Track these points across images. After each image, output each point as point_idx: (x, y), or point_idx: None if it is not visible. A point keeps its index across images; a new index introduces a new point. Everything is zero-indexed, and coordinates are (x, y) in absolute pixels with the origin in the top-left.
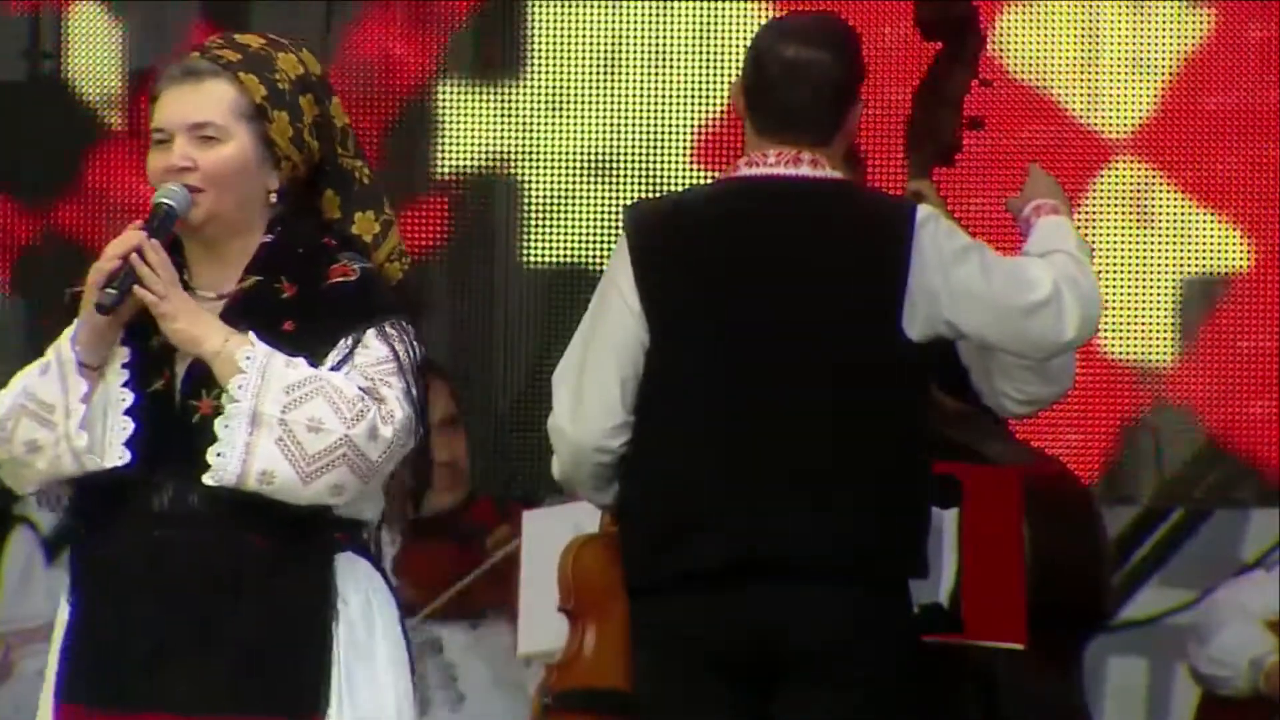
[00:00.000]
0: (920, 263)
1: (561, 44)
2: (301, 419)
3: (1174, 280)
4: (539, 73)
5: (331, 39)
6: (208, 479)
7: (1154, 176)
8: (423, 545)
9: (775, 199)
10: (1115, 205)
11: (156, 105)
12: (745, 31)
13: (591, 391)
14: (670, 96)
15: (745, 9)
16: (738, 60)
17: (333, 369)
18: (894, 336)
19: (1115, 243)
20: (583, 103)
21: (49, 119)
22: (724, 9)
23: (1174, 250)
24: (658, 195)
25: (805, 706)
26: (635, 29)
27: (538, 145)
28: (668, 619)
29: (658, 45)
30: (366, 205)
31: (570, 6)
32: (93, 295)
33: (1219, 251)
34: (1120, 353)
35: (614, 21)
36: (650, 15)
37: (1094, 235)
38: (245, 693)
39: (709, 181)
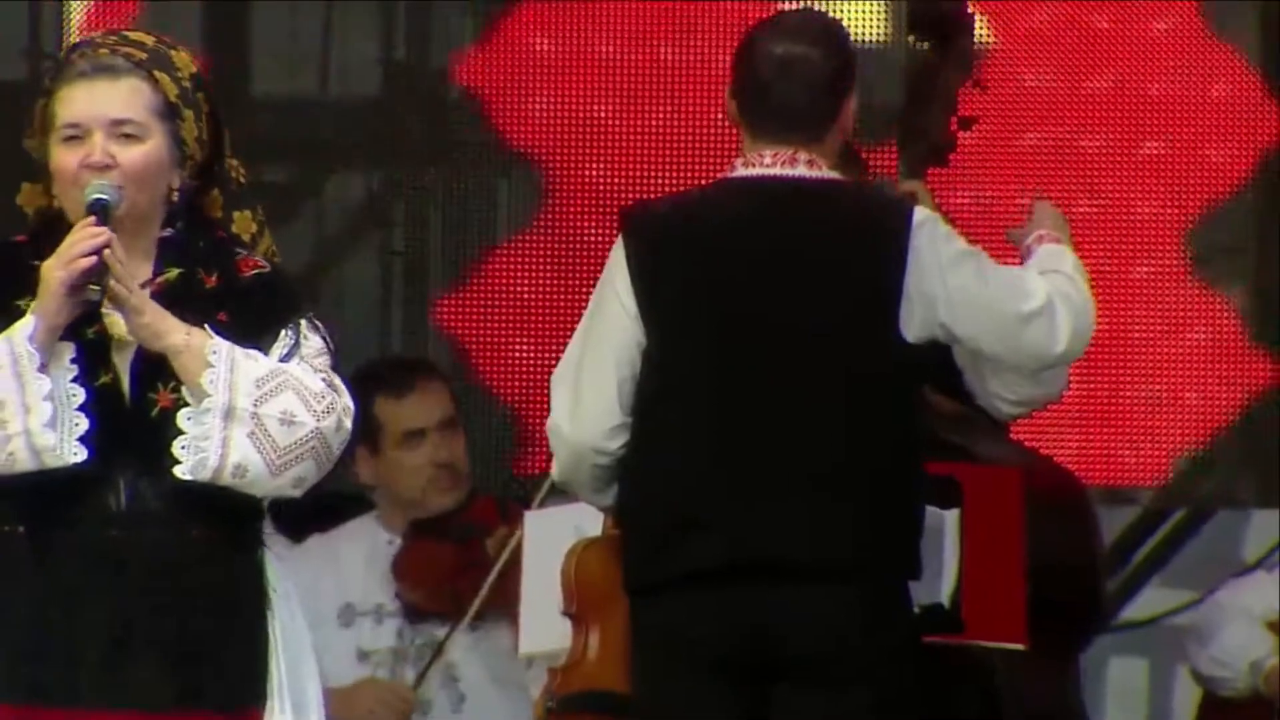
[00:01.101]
0: (918, 265)
1: None
2: (274, 412)
3: None
4: None
5: (331, 39)
6: (182, 472)
7: None
8: (422, 546)
9: (772, 199)
10: None
11: (61, 99)
12: None
13: (589, 393)
14: None
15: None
16: None
17: (281, 360)
18: (890, 338)
19: None
20: None
21: None
22: None
23: None
24: (654, 197)
25: (804, 708)
26: None
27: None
28: (666, 620)
29: None
30: (244, 204)
31: None
32: (59, 292)
33: None
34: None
35: None
36: None
37: None
38: (192, 688)
39: (706, 183)
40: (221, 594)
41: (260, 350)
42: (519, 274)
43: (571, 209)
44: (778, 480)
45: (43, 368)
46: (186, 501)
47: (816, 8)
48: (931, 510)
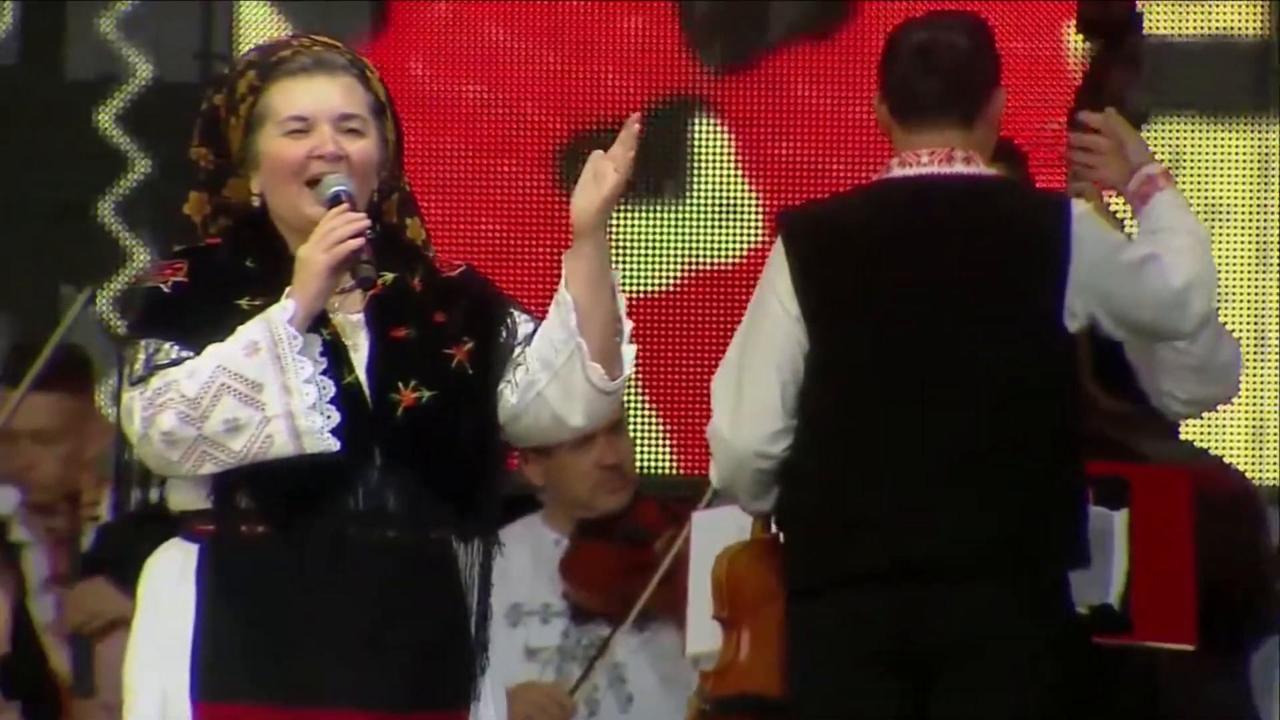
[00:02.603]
0: (1079, 258)
1: None
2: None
3: None
4: None
5: None
6: (610, 387)
7: None
8: (590, 547)
9: (931, 198)
10: None
11: (278, 93)
12: None
13: (750, 397)
14: None
15: None
16: None
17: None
18: (1053, 333)
19: None
20: None
21: None
22: None
23: None
24: (812, 201)
25: (963, 706)
26: None
27: None
28: (828, 620)
29: None
30: (414, 211)
31: None
32: (322, 275)
33: None
34: None
35: None
36: None
37: None
38: (428, 688)
39: (863, 184)
40: (453, 594)
41: (503, 338)
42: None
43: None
44: (940, 479)
45: (301, 352)
46: (425, 503)
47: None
48: (1100, 511)
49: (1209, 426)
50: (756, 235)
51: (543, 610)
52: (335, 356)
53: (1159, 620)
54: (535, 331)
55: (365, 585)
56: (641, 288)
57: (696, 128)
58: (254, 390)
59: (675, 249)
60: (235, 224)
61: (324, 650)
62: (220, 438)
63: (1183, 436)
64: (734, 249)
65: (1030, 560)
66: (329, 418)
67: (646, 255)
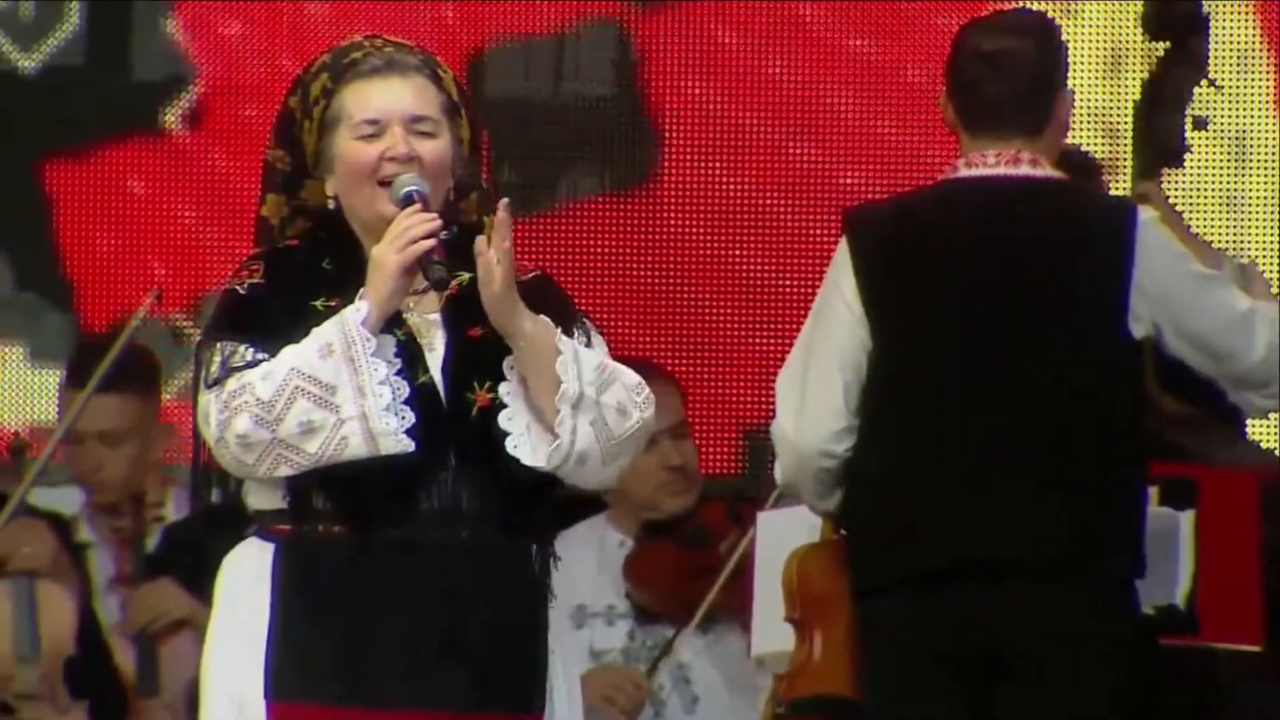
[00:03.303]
0: (1144, 264)
1: None
2: (611, 402)
3: None
4: None
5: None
6: (532, 461)
7: None
8: (655, 548)
9: (997, 200)
10: None
11: (351, 95)
12: None
13: (815, 396)
14: None
15: None
16: None
17: None
18: (1117, 337)
19: None
20: None
21: None
22: None
23: None
24: (877, 201)
25: (1029, 706)
26: None
27: None
28: (893, 620)
29: None
30: (492, 209)
31: None
32: (394, 275)
33: None
34: None
35: None
36: None
37: None
38: (498, 688)
39: (928, 185)
40: (525, 595)
41: None
42: None
43: (800, 206)
44: (1003, 479)
45: (376, 353)
46: (501, 502)
47: None
48: (1166, 512)
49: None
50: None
51: (607, 612)
52: (410, 357)
53: (1226, 621)
54: (604, 343)
55: (437, 586)
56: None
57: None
58: (328, 392)
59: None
60: (313, 225)
61: (396, 651)
62: (295, 440)
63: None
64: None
65: (1095, 561)
66: (403, 419)
67: None
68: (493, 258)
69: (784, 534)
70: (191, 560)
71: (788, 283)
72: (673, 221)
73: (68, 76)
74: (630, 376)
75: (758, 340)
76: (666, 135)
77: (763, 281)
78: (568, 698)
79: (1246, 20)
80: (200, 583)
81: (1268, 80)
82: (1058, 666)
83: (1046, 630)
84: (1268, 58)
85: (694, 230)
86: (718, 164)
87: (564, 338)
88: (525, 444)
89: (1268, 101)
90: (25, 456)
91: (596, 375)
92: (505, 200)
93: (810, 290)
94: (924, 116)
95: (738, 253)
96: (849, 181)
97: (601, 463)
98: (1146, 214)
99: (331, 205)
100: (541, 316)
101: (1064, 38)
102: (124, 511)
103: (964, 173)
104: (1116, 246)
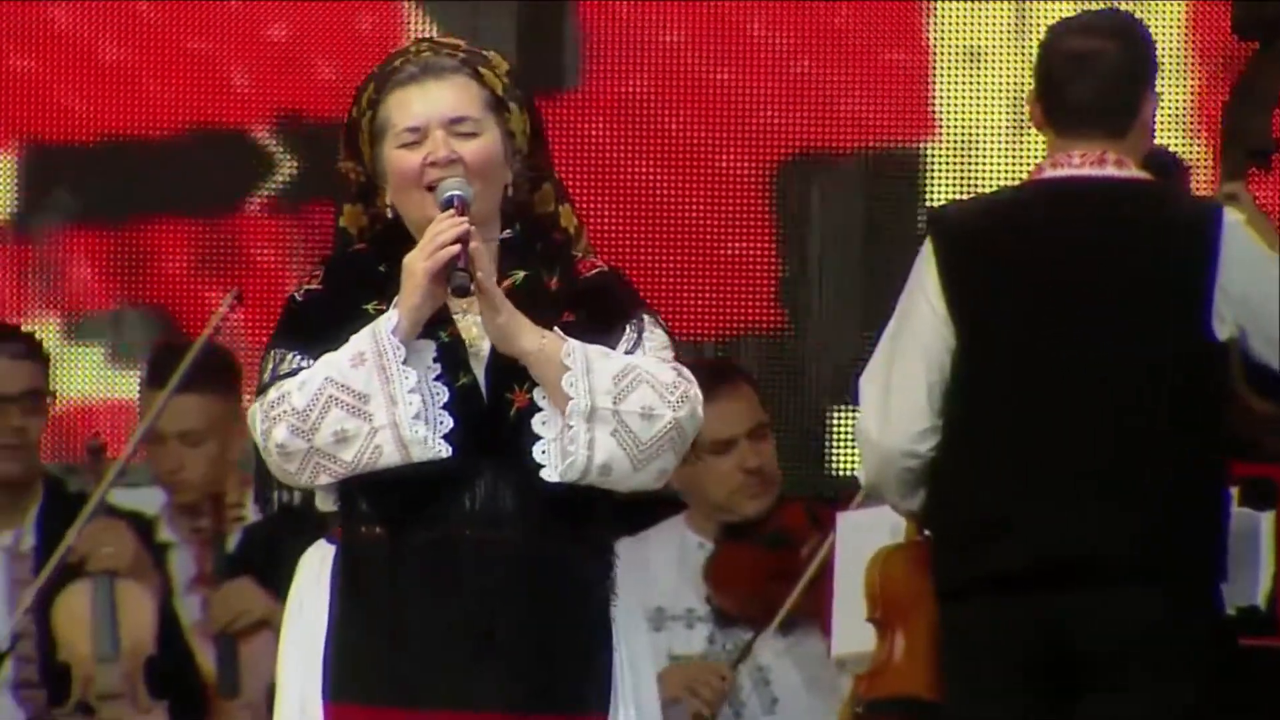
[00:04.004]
0: (1228, 266)
1: None
2: (633, 408)
3: None
4: None
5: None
6: (550, 476)
7: None
8: (735, 551)
9: (1082, 201)
10: None
11: (392, 105)
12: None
13: (898, 396)
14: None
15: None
16: None
17: (626, 354)
18: (1200, 338)
19: None
20: None
21: None
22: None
23: None
24: (961, 199)
25: (1109, 709)
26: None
27: None
28: (976, 622)
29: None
30: (566, 199)
31: None
32: (423, 282)
33: None
34: None
35: None
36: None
37: None
38: (545, 690)
39: (1014, 185)
40: (574, 595)
41: (606, 345)
42: None
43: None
44: (1086, 480)
45: (406, 361)
46: (542, 502)
47: None
48: (1247, 512)
49: None
50: None
51: (687, 615)
52: (452, 359)
53: None
54: (669, 339)
55: (476, 587)
56: None
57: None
58: (361, 401)
59: None
60: (380, 231)
61: (439, 652)
62: (330, 449)
63: None
64: None
65: (1177, 563)
66: (441, 423)
67: None
68: (487, 286)
69: (866, 534)
70: (272, 560)
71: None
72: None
73: None
74: (664, 376)
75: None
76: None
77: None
78: (635, 697)
79: None
80: (280, 583)
81: None
82: (1136, 669)
83: (1128, 632)
84: None
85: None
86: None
87: (575, 349)
88: (552, 451)
89: None
90: (104, 457)
91: (614, 384)
92: (471, 227)
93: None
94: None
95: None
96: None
97: (633, 469)
98: (1232, 216)
99: (390, 214)
100: (552, 332)
101: (1151, 38)
102: (204, 511)
103: (1049, 173)
104: (1201, 248)
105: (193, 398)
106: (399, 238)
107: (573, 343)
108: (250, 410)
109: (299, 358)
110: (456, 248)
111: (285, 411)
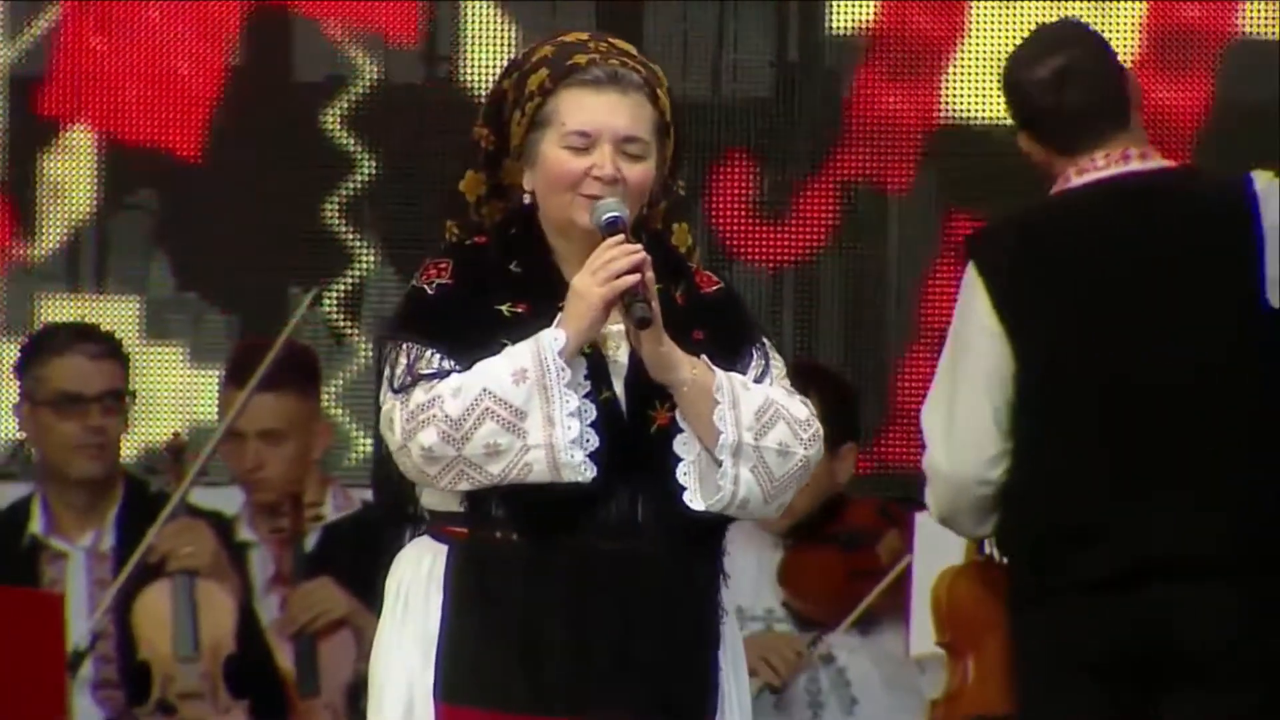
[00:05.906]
0: (1269, 225)
1: None
2: (772, 444)
3: None
4: None
5: (724, 40)
6: (695, 504)
7: None
8: (808, 553)
9: (1115, 199)
10: None
11: (568, 101)
12: None
13: (964, 425)
14: None
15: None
16: None
17: (756, 381)
18: (1260, 313)
19: None
20: None
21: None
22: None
23: None
24: (995, 220)
25: (1195, 709)
26: None
27: None
28: (1056, 628)
29: None
30: (682, 216)
31: None
32: (597, 307)
33: None
34: None
35: None
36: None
37: None
38: (673, 699)
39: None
40: (700, 606)
41: (738, 370)
42: None
43: None
44: (1165, 480)
45: (568, 384)
46: (676, 518)
47: None
48: None
49: None
50: None
51: (766, 616)
52: (595, 372)
53: None
54: (783, 363)
55: (611, 597)
56: None
57: None
58: (517, 417)
59: None
60: (503, 221)
61: (567, 661)
62: (479, 460)
63: None
64: None
65: (1262, 559)
66: (588, 442)
67: None
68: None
69: (942, 534)
70: (350, 559)
71: None
72: None
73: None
74: (798, 411)
75: None
76: None
77: None
78: (738, 700)
79: None
80: (359, 582)
81: None
82: (1222, 670)
83: (1210, 633)
84: None
85: None
86: None
87: (724, 382)
88: (693, 476)
89: None
90: (184, 456)
91: (756, 420)
92: (647, 257)
93: None
94: None
95: None
96: None
97: (764, 502)
98: (1261, 179)
99: (527, 200)
100: (701, 360)
101: (1091, 26)
102: (283, 511)
103: (1077, 181)
104: (1239, 218)
105: (272, 397)
106: (528, 233)
107: (720, 375)
108: (386, 406)
109: (440, 357)
110: (635, 277)
111: (436, 416)
